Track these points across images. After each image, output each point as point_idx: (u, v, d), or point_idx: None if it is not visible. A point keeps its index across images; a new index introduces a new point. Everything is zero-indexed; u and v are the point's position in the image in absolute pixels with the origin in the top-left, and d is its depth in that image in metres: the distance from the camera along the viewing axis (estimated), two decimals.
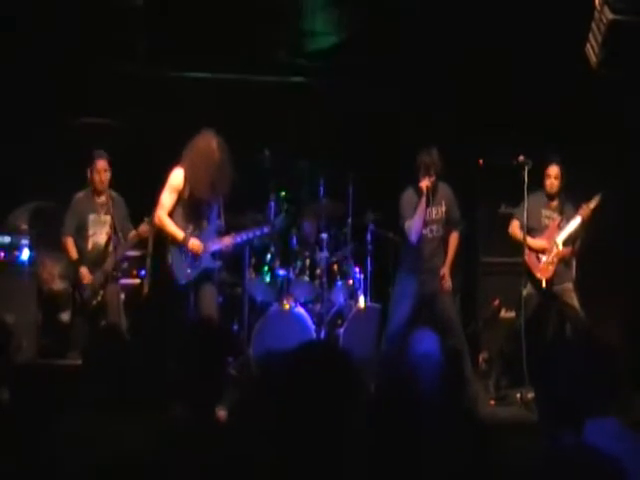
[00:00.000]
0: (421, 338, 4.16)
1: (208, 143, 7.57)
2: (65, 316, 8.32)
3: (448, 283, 8.24)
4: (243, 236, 7.93)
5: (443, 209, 8.25)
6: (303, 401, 2.52)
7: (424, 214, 8.09)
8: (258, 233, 8.07)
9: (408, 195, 8.23)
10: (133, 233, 8.23)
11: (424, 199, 8.06)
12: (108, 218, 8.23)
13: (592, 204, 8.21)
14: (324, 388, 2.53)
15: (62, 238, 8.28)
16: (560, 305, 8.37)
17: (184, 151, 7.62)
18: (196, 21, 9.39)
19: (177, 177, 7.57)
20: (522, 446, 3.22)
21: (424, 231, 8.15)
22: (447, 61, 9.44)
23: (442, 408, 3.76)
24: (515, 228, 8.39)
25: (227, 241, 7.77)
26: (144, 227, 8.10)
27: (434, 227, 8.24)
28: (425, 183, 8.04)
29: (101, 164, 8.23)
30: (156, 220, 7.70)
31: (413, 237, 8.10)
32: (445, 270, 8.24)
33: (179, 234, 7.56)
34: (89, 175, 8.28)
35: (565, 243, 8.31)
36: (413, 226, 8.08)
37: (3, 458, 3.24)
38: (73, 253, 8.24)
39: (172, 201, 7.59)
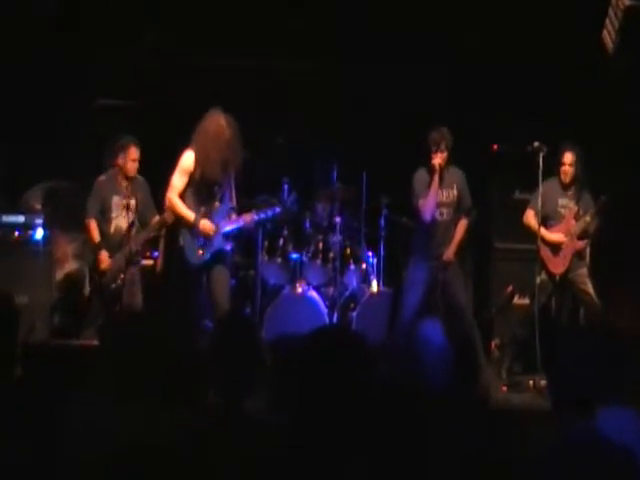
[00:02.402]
0: (434, 325, 4.15)
1: (217, 122, 7.55)
2: (80, 296, 8.32)
3: (450, 257, 8.20)
4: (262, 214, 7.90)
5: (455, 192, 8.21)
6: (318, 385, 2.52)
7: (437, 192, 8.07)
8: (270, 213, 8.03)
9: (421, 175, 8.21)
10: (157, 219, 8.20)
11: (436, 177, 8.04)
12: (132, 202, 8.19)
13: (609, 195, 8.16)
14: (339, 372, 2.54)
15: (85, 221, 8.24)
16: (574, 291, 8.35)
17: (193, 133, 7.61)
18: (214, 6, 9.39)
19: (187, 159, 7.57)
20: (534, 433, 3.22)
21: (436, 213, 8.14)
22: (461, 47, 9.42)
23: (454, 395, 3.76)
24: (530, 218, 8.32)
25: (247, 218, 7.75)
26: (169, 214, 8.04)
27: (445, 210, 8.20)
28: (437, 160, 8.02)
29: (134, 152, 8.22)
30: (167, 203, 7.70)
31: (427, 215, 8.08)
32: (449, 254, 8.20)
33: (190, 216, 7.55)
34: (119, 161, 8.23)
35: (580, 236, 8.28)
36: (426, 204, 8.07)
37: (15, 440, 3.25)
38: (95, 236, 8.18)
39: (183, 183, 7.58)
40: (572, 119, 9.07)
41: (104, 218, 8.24)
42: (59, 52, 9.22)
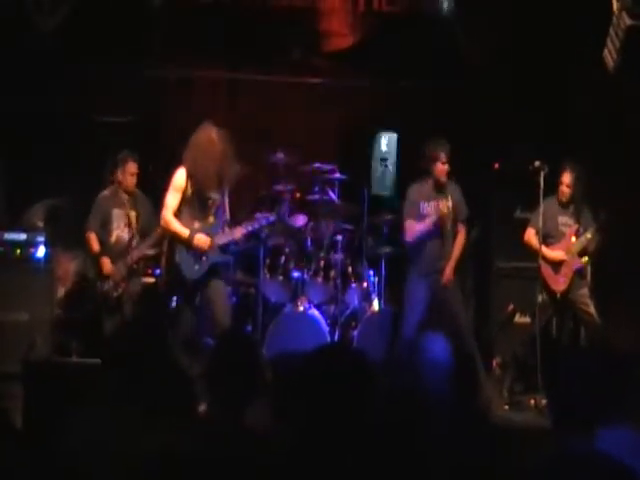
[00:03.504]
0: (430, 343, 4.15)
1: (208, 135, 7.57)
2: (81, 313, 8.36)
3: (449, 277, 8.20)
4: (254, 225, 7.88)
5: (449, 204, 8.23)
6: (319, 402, 2.53)
7: (429, 226, 8.09)
8: (264, 222, 8.01)
9: (413, 192, 8.24)
10: (158, 230, 8.28)
11: (435, 217, 8.07)
12: (133, 214, 8.37)
13: (608, 212, 8.18)
14: (340, 389, 2.54)
15: (85, 234, 8.35)
16: (576, 311, 8.34)
17: (185, 149, 7.63)
18: (212, 21, 9.44)
19: (179, 177, 7.59)
20: (534, 452, 3.22)
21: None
22: (463, 65, 9.45)
23: (454, 412, 3.76)
24: (531, 236, 8.32)
25: (237, 232, 7.75)
26: None
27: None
28: (443, 171, 8.07)
29: (132, 167, 8.37)
30: (162, 221, 7.73)
31: (408, 237, 8.13)
32: (448, 267, 8.21)
33: (184, 232, 7.55)
34: (119, 176, 8.39)
35: (581, 253, 8.28)
36: (414, 228, 8.09)
37: (17, 456, 3.25)
38: (95, 246, 8.34)
39: (176, 201, 7.60)
40: (573, 137, 9.09)
41: (105, 230, 8.39)
42: (59, 70, 9.26)
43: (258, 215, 8.09)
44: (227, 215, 7.80)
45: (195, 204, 7.64)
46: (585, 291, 8.32)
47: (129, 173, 8.39)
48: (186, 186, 7.57)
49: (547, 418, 3.40)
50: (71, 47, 9.19)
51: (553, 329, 8.42)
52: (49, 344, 8.19)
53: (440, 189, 8.23)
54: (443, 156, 8.09)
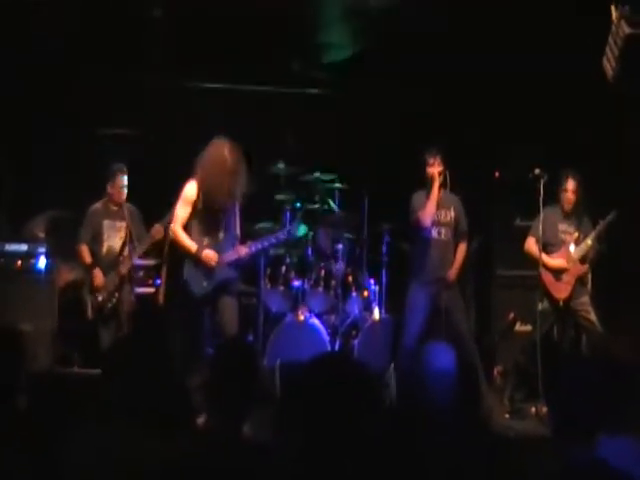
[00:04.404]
0: (436, 352, 4.15)
1: (220, 150, 7.54)
2: (82, 324, 8.36)
3: (452, 284, 8.23)
4: (258, 245, 7.87)
5: (452, 214, 8.28)
6: (320, 412, 2.53)
7: (436, 198, 8.10)
8: (274, 240, 7.98)
9: (419, 195, 8.27)
10: (148, 239, 8.34)
11: (436, 184, 8.09)
12: (123, 225, 8.39)
13: (608, 219, 8.20)
14: (340, 399, 2.55)
15: (76, 246, 8.41)
16: (577, 319, 8.34)
17: (197, 162, 7.62)
18: (213, 32, 9.45)
19: (190, 190, 7.57)
20: (535, 461, 3.22)
21: (433, 232, 8.18)
22: (464, 75, 9.46)
23: (456, 421, 3.76)
24: (531, 245, 8.31)
25: (242, 251, 7.71)
26: (157, 228, 8.20)
27: (442, 229, 8.24)
28: (434, 169, 8.11)
29: (121, 180, 8.40)
30: (171, 234, 7.73)
31: (427, 220, 8.11)
32: (451, 274, 8.21)
33: (193, 247, 7.53)
34: (108, 188, 8.40)
35: (581, 260, 8.29)
36: (426, 210, 8.10)
37: (19, 468, 3.25)
38: (87, 258, 8.39)
39: (186, 214, 7.58)
40: (573, 145, 9.10)
41: (96, 241, 8.44)
42: (61, 83, 9.29)
43: (268, 234, 8.10)
44: (237, 231, 7.78)
45: (205, 219, 7.61)
46: (586, 299, 8.31)
47: (118, 186, 8.42)
48: (197, 200, 7.55)
49: (548, 426, 3.40)
50: (72, 59, 9.21)
51: (554, 337, 8.43)
52: (51, 355, 8.20)
53: (444, 195, 8.25)
54: (438, 160, 8.14)
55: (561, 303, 8.20)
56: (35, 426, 3.50)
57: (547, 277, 8.21)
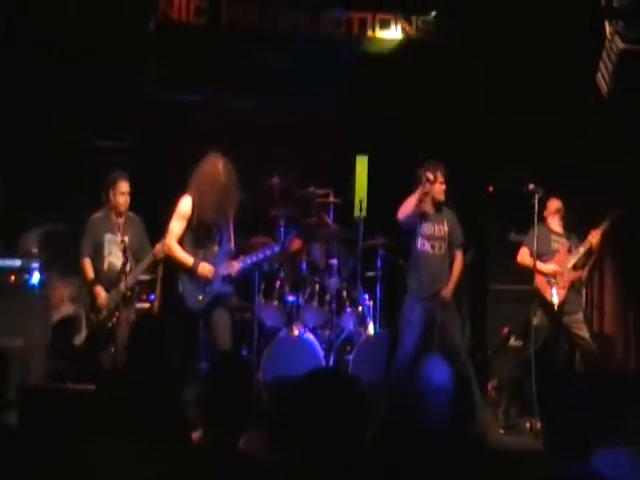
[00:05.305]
0: (432, 367, 4.15)
1: (214, 166, 7.58)
2: (77, 340, 8.28)
3: (448, 299, 8.21)
4: (253, 258, 7.89)
5: (445, 228, 8.24)
6: (313, 427, 2.52)
7: (419, 198, 8.03)
8: (269, 253, 8.02)
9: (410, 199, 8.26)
10: (151, 255, 8.21)
11: (426, 187, 8.05)
12: (125, 239, 8.08)
13: (601, 229, 8.23)
14: (334, 414, 2.54)
15: (80, 259, 8.24)
16: (571, 336, 8.35)
17: (191, 177, 7.63)
18: (207, 46, 9.48)
19: (185, 204, 7.59)
20: (530, 475, 3.21)
21: (427, 246, 8.17)
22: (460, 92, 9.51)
23: (451, 436, 3.76)
24: (524, 256, 8.36)
25: (234, 266, 7.74)
26: (159, 247, 8.09)
27: (436, 244, 8.21)
28: (441, 190, 8.12)
29: (123, 186, 8.21)
30: (166, 248, 7.72)
31: (402, 212, 8.04)
32: (447, 291, 8.20)
33: (189, 260, 7.57)
34: (110, 197, 8.22)
35: (575, 267, 8.32)
36: (405, 204, 8.05)
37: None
38: (90, 274, 8.18)
39: (181, 228, 7.61)
40: (567, 161, 9.13)
41: (97, 256, 8.22)
42: (55, 94, 9.28)
43: (262, 247, 8.11)
44: (232, 244, 7.79)
45: (200, 233, 7.64)
46: (580, 317, 8.35)
47: (120, 192, 8.16)
48: (191, 214, 7.58)
49: (542, 441, 3.39)
50: (68, 70, 9.21)
51: (548, 352, 8.42)
52: (44, 370, 8.15)
53: (438, 209, 8.24)
54: (440, 176, 8.11)
55: (556, 308, 8.18)
56: (27, 441, 3.48)
57: (541, 282, 8.23)
